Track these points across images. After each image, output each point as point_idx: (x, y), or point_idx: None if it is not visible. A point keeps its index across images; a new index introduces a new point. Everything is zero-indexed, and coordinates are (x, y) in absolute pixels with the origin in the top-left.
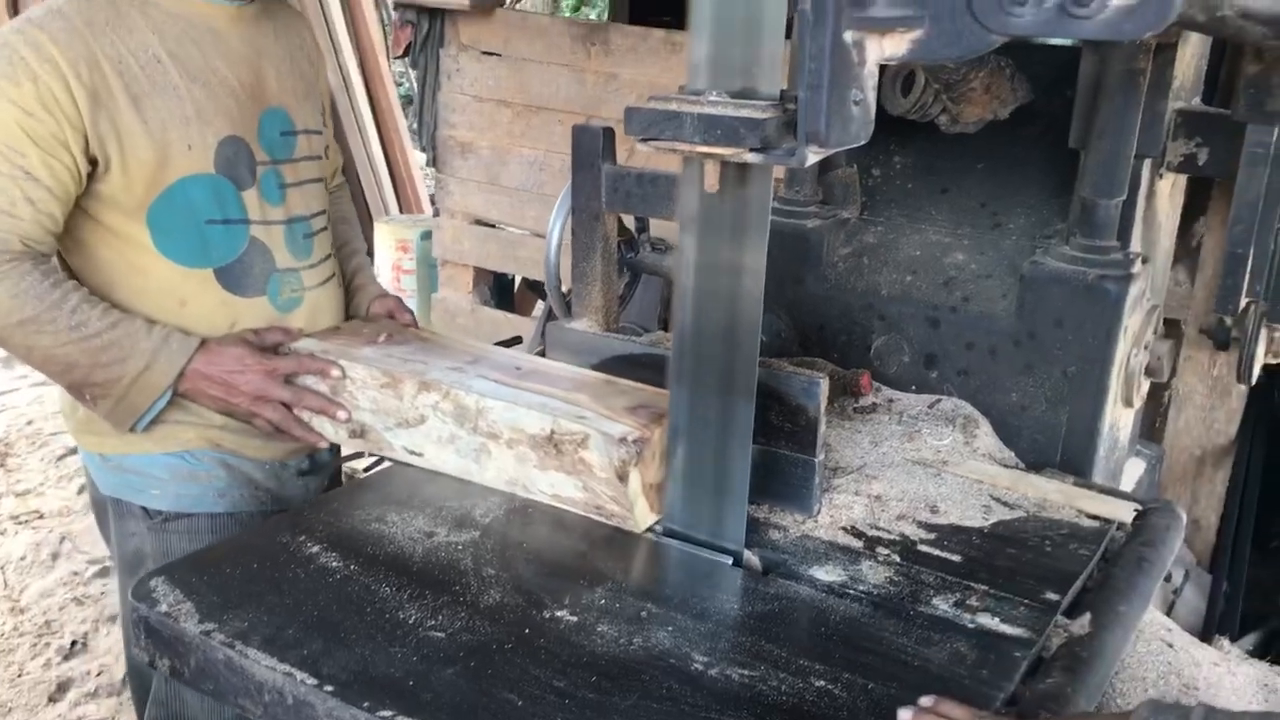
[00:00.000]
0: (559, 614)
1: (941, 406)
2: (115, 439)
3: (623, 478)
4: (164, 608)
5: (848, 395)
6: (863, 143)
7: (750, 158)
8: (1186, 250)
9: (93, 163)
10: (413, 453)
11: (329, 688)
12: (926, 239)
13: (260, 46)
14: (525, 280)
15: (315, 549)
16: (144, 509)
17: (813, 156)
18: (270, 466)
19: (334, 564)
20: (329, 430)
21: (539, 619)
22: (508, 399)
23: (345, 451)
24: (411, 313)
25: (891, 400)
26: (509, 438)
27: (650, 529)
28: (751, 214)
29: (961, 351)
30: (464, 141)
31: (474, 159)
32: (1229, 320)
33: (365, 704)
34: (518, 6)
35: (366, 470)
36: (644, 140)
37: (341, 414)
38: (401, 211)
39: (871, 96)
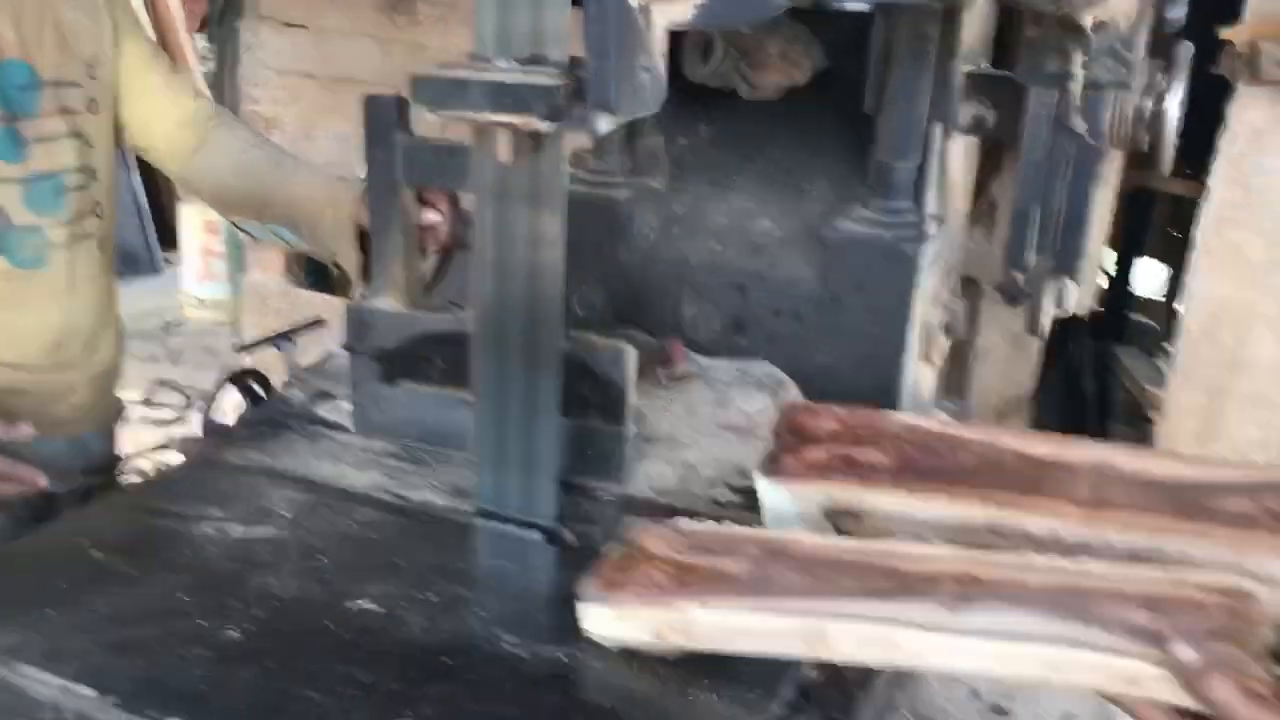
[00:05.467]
0: (363, 605)
1: (752, 372)
2: None
3: None
4: None
5: (661, 365)
6: (655, 110)
7: (541, 126)
8: (984, 210)
9: None
10: None
11: (113, 699)
12: (733, 207)
13: None
14: None
15: (99, 554)
16: None
17: (604, 125)
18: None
19: (120, 568)
20: None
21: (342, 611)
22: None
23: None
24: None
25: (704, 368)
26: None
27: (459, 510)
28: (547, 183)
29: (770, 317)
30: (268, 117)
31: (279, 135)
32: (1019, 276)
33: (150, 712)
34: None
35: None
36: (432, 110)
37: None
38: None
39: (661, 63)
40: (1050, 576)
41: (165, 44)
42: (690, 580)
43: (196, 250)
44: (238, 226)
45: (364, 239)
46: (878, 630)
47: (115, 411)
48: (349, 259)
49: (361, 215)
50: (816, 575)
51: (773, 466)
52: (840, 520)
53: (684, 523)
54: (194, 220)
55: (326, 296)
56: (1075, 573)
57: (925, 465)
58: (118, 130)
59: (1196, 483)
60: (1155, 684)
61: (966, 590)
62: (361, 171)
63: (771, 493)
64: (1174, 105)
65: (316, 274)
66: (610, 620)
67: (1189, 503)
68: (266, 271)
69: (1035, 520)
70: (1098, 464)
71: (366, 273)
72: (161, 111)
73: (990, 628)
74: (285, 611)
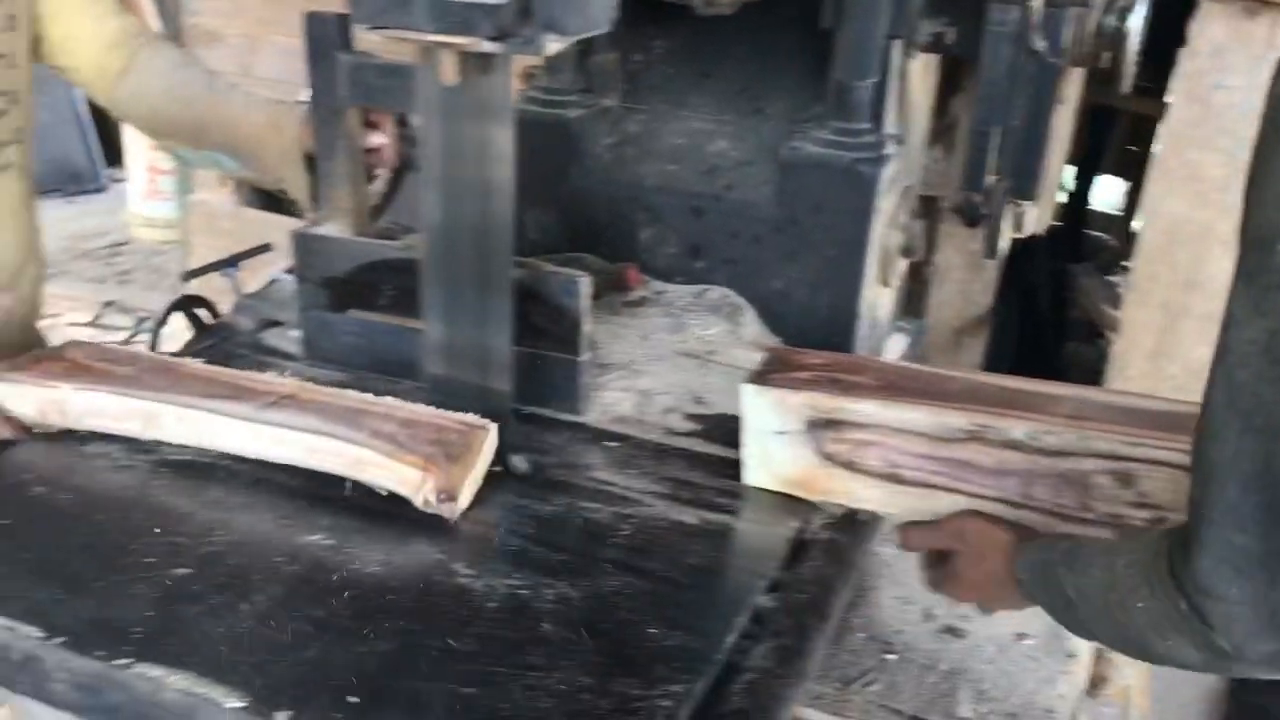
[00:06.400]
0: (315, 538)
1: (708, 296)
2: None
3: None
4: None
5: (616, 290)
6: (605, 29)
7: (487, 47)
8: (944, 129)
9: None
10: None
11: (59, 639)
12: (689, 127)
13: None
14: None
15: (41, 490)
16: None
17: (552, 45)
18: None
19: (64, 505)
20: None
21: (293, 546)
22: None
23: None
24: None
25: (660, 293)
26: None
27: None
28: (495, 106)
29: (726, 241)
30: (211, 30)
31: (223, 49)
32: (977, 197)
33: (99, 653)
34: None
35: None
36: (371, 29)
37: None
38: None
39: None
40: (351, 403)
41: None
42: (78, 375)
43: (143, 167)
44: (175, 154)
45: (311, 163)
46: (196, 415)
47: (36, 347)
48: (298, 185)
49: (308, 139)
50: (177, 383)
51: (760, 378)
52: (823, 435)
53: (110, 345)
54: (140, 136)
55: (276, 217)
56: (373, 403)
57: (909, 387)
58: (35, 45)
59: (1173, 412)
60: (378, 469)
61: (281, 402)
62: (307, 91)
63: (756, 400)
64: (1136, 22)
65: (266, 194)
66: (5, 394)
67: (1166, 423)
68: (215, 191)
69: (1020, 425)
70: (1077, 394)
71: (316, 198)
72: (83, 29)
73: (282, 422)
74: (235, 547)
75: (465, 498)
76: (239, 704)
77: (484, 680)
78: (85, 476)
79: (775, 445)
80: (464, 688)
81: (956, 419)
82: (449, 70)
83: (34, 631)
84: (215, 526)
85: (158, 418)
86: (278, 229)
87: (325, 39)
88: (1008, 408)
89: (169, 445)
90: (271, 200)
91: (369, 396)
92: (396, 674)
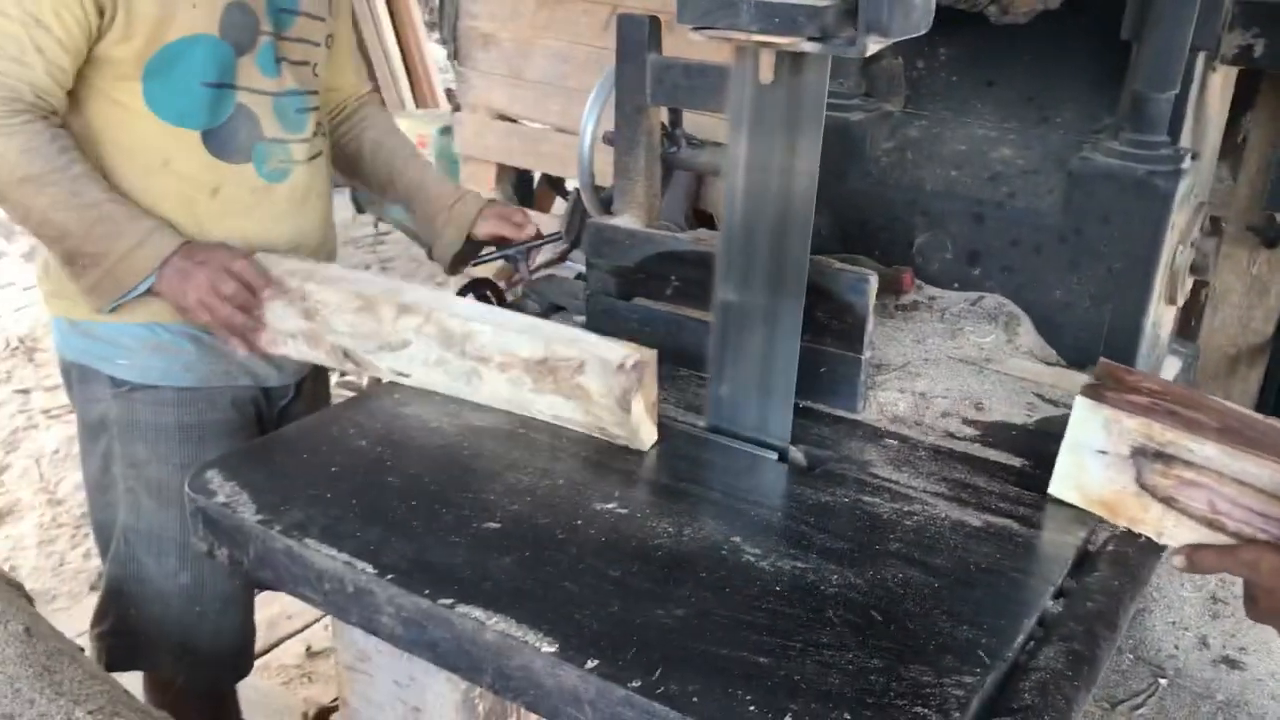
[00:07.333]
0: (609, 506)
1: (984, 304)
2: (86, 305)
3: (625, 406)
4: (221, 499)
5: (889, 293)
6: (924, 32)
7: (808, 47)
8: (1231, 146)
9: (100, 14)
10: (400, 374)
11: (389, 576)
12: (972, 133)
13: None
14: (545, 176)
15: (364, 443)
16: (110, 378)
17: (873, 46)
18: None
19: (385, 457)
20: (320, 355)
21: (590, 511)
22: (495, 322)
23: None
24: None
25: (933, 298)
26: (500, 361)
27: (692, 425)
28: (806, 107)
29: (1006, 248)
30: (485, 33)
31: (495, 51)
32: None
33: (426, 591)
34: None
35: None
36: (697, 29)
37: (263, 337)
38: (417, 106)
39: None
40: None
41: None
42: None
43: None
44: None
45: (471, 245)
46: (415, 299)
47: None
48: (443, 256)
49: (479, 229)
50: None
51: (1095, 393)
52: (1148, 465)
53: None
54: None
55: (531, 212)
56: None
57: (1250, 437)
58: None
59: None
60: (589, 345)
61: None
62: (581, 87)
63: (1087, 414)
64: None
65: (523, 189)
66: None
67: None
68: (479, 187)
69: None
70: None
71: (453, 268)
72: (347, 81)
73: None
74: (538, 508)
75: (639, 406)
76: (551, 649)
77: (777, 653)
78: (401, 434)
79: (1092, 462)
80: (758, 657)
81: None
82: (766, 70)
83: (367, 568)
84: (518, 488)
85: (376, 303)
86: None
87: (636, 40)
88: None
89: (473, 411)
90: (524, 200)
91: None
92: (694, 638)
